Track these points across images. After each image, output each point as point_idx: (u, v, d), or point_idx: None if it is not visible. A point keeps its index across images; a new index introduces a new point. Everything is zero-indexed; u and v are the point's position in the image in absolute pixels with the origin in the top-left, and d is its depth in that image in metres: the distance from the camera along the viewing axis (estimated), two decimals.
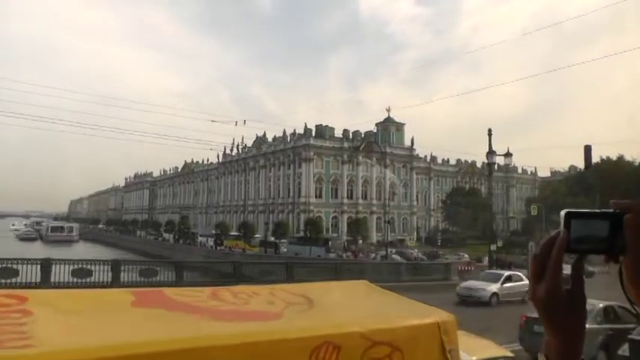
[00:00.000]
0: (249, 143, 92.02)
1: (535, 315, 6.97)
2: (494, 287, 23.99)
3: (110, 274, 20.93)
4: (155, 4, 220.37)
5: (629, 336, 8.04)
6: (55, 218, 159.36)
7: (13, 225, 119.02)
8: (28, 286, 18.97)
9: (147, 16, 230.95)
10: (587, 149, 24.88)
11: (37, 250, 68.64)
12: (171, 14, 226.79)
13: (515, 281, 25.03)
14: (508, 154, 30.44)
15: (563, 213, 0.89)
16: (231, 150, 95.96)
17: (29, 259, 20.52)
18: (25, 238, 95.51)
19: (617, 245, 0.84)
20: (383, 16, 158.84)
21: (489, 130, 30.18)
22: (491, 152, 29.94)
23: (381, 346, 1.83)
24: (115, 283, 19.95)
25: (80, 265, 21.09)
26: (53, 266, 20.03)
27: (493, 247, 31.55)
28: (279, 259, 32.77)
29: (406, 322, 2.04)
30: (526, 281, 23.11)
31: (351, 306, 2.53)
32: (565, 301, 0.89)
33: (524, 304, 20.04)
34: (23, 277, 19.32)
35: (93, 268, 21.29)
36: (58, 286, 18.60)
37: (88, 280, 20.31)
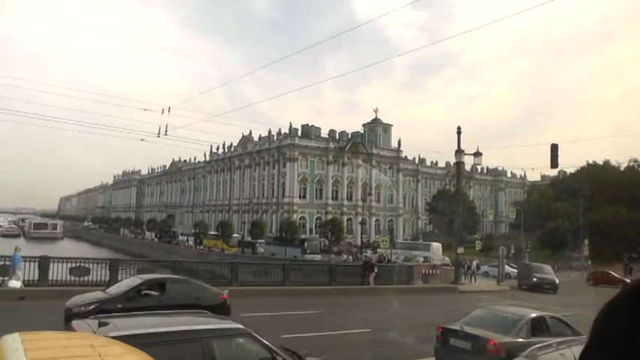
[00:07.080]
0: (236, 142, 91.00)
1: (452, 327, 5.47)
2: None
3: (108, 272, 20.46)
4: (151, 3, 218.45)
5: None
6: (43, 215, 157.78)
7: None
8: (26, 284, 18.61)
9: (143, 15, 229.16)
10: (554, 148, 23.77)
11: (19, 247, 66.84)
12: (168, 14, 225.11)
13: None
14: (478, 154, 29.43)
15: None
16: (217, 149, 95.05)
17: (26, 257, 19.79)
18: (6, 235, 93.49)
19: None
20: (379, 19, 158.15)
21: (458, 129, 29.28)
22: (459, 151, 29.19)
23: None
24: (113, 281, 19.31)
25: (78, 264, 20.51)
26: (51, 264, 19.43)
27: (460, 250, 30.43)
28: (275, 262, 32.51)
29: None
30: None
31: None
32: None
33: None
34: (22, 274, 18.80)
35: (91, 266, 20.86)
36: (56, 284, 18.33)
37: (85, 278, 19.94)
